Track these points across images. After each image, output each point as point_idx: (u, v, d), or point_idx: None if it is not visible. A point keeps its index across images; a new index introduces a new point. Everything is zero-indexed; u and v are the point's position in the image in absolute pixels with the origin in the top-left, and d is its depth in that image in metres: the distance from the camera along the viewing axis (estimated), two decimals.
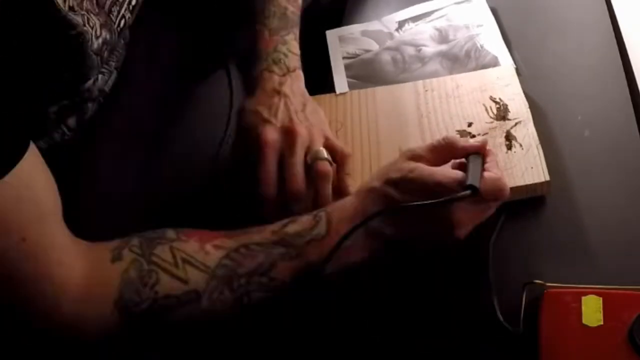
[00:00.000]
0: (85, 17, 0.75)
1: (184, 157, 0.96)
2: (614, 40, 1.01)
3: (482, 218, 0.79)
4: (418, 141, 0.92)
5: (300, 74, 0.95)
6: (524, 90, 0.95)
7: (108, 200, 0.89)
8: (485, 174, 0.77)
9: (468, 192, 0.74)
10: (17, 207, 0.65)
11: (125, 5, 0.83)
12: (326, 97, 1.03)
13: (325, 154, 0.87)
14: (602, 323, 0.68)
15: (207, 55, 1.03)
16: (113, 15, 0.81)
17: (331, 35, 1.15)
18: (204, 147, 0.98)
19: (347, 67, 1.09)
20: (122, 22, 0.83)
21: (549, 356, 0.68)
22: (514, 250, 0.82)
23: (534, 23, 1.10)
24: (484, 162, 0.79)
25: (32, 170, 0.66)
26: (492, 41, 1.06)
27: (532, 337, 0.70)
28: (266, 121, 0.88)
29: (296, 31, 0.99)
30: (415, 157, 0.80)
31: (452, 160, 0.81)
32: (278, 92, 0.91)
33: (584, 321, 0.68)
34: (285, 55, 0.95)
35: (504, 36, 1.07)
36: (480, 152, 0.80)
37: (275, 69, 0.93)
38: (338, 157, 0.89)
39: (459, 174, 0.77)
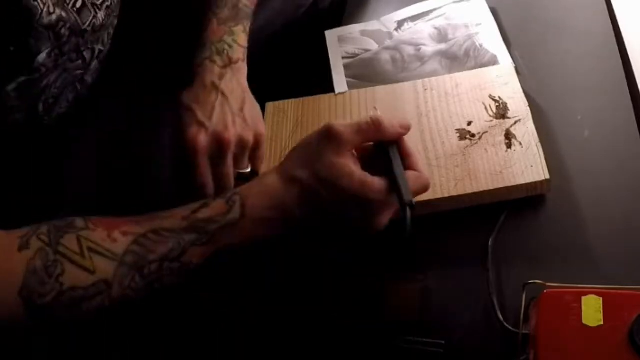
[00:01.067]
0: None
1: (174, 158, 0.96)
2: (614, 40, 1.01)
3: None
4: (417, 140, 0.92)
5: (242, 66, 0.94)
6: (524, 89, 0.95)
7: (72, 199, 0.90)
8: (409, 173, 0.76)
9: (409, 213, 0.73)
10: None
11: None
12: (326, 97, 1.03)
13: (246, 165, 0.91)
14: (602, 323, 0.67)
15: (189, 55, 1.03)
16: None
17: (330, 35, 1.15)
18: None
19: (347, 67, 1.09)
20: (79, 3, 0.82)
21: (549, 356, 0.67)
22: (513, 250, 0.82)
23: (534, 23, 1.10)
24: (403, 155, 0.78)
25: None
26: (491, 40, 1.06)
27: (532, 337, 0.69)
28: (199, 124, 0.87)
29: (247, 24, 0.97)
30: (341, 143, 0.76)
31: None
32: (216, 89, 0.90)
33: (584, 321, 0.68)
34: (230, 47, 0.93)
35: (503, 35, 1.07)
36: (401, 137, 0.79)
37: (217, 59, 0.92)
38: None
39: (383, 185, 0.75)
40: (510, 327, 0.74)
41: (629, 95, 0.93)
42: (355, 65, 1.09)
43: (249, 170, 0.92)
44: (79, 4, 0.82)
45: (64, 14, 0.79)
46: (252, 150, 0.91)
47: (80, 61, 0.86)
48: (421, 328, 0.77)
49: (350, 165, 0.75)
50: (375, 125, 0.78)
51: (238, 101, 0.91)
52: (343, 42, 1.13)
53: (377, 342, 0.78)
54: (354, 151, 0.77)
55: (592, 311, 0.68)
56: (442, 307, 0.80)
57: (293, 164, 0.78)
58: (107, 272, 0.71)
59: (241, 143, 0.89)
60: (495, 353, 0.74)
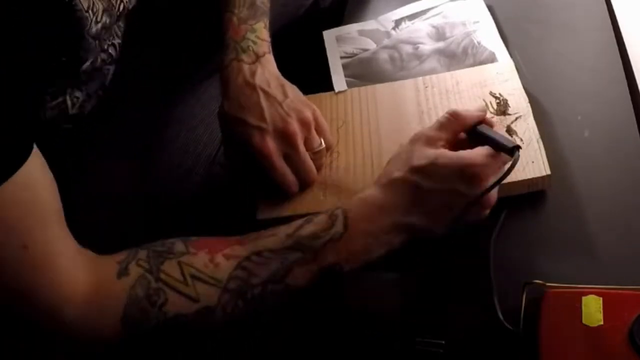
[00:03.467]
0: (91, 2, 0.75)
1: (182, 157, 0.96)
2: (614, 40, 1.01)
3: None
4: None
5: (269, 58, 0.94)
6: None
7: (102, 201, 0.89)
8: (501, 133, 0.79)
9: (518, 155, 0.77)
10: (17, 213, 0.63)
11: None
12: (327, 96, 1.03)
13: (318, 142, 0.91)
14: (602, 323, 0.67)
15: (208, 54, 1.03)
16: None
17: (328, 35, 1.15)
18: (203, 148, 0.98)
19: (345, 67, 1.09)
20: (121, 6, 0.83)
21: (549, 356, 0.67)
22: (514, 250, 0.82)
23: (532, 21, 1.10)
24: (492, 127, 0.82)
25: (35, 174, 0.65)
26: (489, 38, 1.06)
27: (532, 337, 0.69)
28: (257, 128, 0.87)
29: (266, 20, 0.97)
30: (429, 139, 0.79)
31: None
32: (254, 87, 0.90)
33: (584, 321, 0.68)
34: (254, 43, 0.93)
35: (500, 33, 1.07)
36: (482, 119, 0.82)
37: (244, 57, 0.92)
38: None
39: (484, 149, 0.78)
40: (510, 327, 0.73)
41: (629, 96, 0.93)
42: (354, 65, 1.09)
43: (323, 146, 0.92)
44: (121, 7, 0.83)
45: (107, 21, 0.79)
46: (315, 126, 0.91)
47: (109, 59, 0.87)
48: (421, 328, 0.77)
49: (441, 150, 0.77)
50: (453, 116, 0.80)
51: (279, 90, 0.91)
52: (341, 42, 1.13)
53: (377, 342, 0.78)
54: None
55: (592, 311, 0.68)
56: (442, 307, 0.79)
57: (388, 170, 0.79)
58: (210, 299, 0.70)
59: (305, 126, 0.89)
60: (495, 353, 0.74)
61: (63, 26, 0.73)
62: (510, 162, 0.77)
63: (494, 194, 0.79)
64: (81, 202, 0.81)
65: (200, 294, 0.70)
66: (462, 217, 0.77)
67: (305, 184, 0.89)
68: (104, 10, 0.78)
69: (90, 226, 0.86)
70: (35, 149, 0.65)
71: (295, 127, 0.88)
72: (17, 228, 0.63)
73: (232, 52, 0.92)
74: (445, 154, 0.77)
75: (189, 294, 0.69)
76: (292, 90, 0.92)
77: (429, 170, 0.76)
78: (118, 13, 0.83)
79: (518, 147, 0.78)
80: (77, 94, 0.83)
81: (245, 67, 0.91)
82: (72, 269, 0.67)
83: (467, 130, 0.83)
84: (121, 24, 0.86)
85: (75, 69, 0.79)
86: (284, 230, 0.75)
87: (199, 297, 0.69)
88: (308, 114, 0.90)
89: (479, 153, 0.77)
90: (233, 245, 0.73)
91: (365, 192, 0.78)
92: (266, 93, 0.90)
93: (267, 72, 0.92)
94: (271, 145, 0.86)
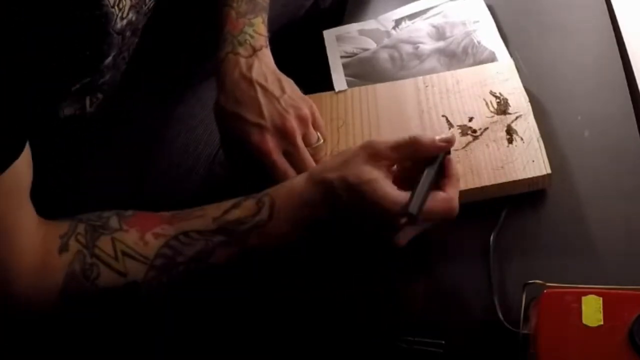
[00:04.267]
0: None
1: (182, 157, 0.96)
2: (614, 40, 1.01)
3: (423, 229, 0.79)
4: None
5: (266, 52, 0.94)
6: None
7: (102, 201, 0.89)
8: (439, 194, 0.76)
9: (404, 219, 0.74)
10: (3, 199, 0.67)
11: None
12: (327, 95, 1.03)
13: (316, 138, 0.91)
14: (602, 323, 0.67)
15: (209, 54, 1.03)
16: None
17: (328, 34, 1.14)
18: (203, 148, 0.97)
19: (345, 66, 1.09)
20: (152, 4, 0.83)
21: (549, 356, 0.67)
22: (514, 250, 0.82)
23: (532, 21, 1.10)
24: (442, 171, 0.78)
25: (23, 165, 0.68)
26: (489, 37, 1.06)
27: (532, 337, 0.69)
28: (256, 126, 0.87)
29: (264, 15, 0.97)
30: (376, 154, 0.77)
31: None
32: (250, 81, 0.89)
33: (584, 321, 0.68)
34: (251, 37, 0.93)
35: (500, 33, 1.07)
36: (441, 163, 0.78)
37: (241, 50, 0.92)
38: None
39: (404, 199, 0.74)
40: (510, 327, 0.73)
41: (629, 96, 0.93)
42: (354, 65, 1.09)
43: (321, 141, 0.93)
44: (151, 5, 0.83)
45: (134, 18, 0.80)
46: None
47: (128, 58, 0.87)
48: (421, 328, 0.77)
49: (377, 175, 0.76)
50: (412, 142, 0.78)
51: (276, 85, 0.90)
52: (341, 42, 1.13)
53: (377, 342, 0.78)
54: (394, 167, 0.79)
55: (592, 311, 0.68)
56: (442, 307, 0.80)
57: (324, 167, 0.80)
58: (137, 275, 0.74)
59: (303, 122, 0.90)
60: (495, 353, 0.74)
61: (89, 22, 0.73)
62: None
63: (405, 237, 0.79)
64: (80, 202, 0.81)
65: (128, 269, 0.74)
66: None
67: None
68: (131, 7, 0.78)
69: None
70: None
71: (293, 123, 0.88)
72: None
73: (229, 45, 0.92)
74: (373, 182, 0.75)
75: (118, 269, 0.73)
76: (289, 85, 0.92)
77: (354, 189, 0.76)
78: (147, 10, 0.83)
79: (411, 216, 0.72)
80: (99, 95, 0.84)
81: (242, 61, 0.91)
82: (27, 243, 0.71)
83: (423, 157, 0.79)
84: (144, 22, 0.86)
85: (97, 63, 0.80)
86: (211, 213, 0.77)
87: (127, 272, 0.73)
88: (306, 111, 0.90)
89: (397, 202, 0.74)
90: (163, 224, 0.76)
91: (296, 180, 0.80)
92: (263, 88, 0.89)
93: (264, 66, 0.92)
94: (270, 143, 0.86)
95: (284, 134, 0.87)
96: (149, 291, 0.74)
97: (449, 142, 0.79)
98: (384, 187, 0.75)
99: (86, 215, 0.76)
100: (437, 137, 0.79)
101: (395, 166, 0.79)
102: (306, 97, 0.93)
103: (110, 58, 0.80)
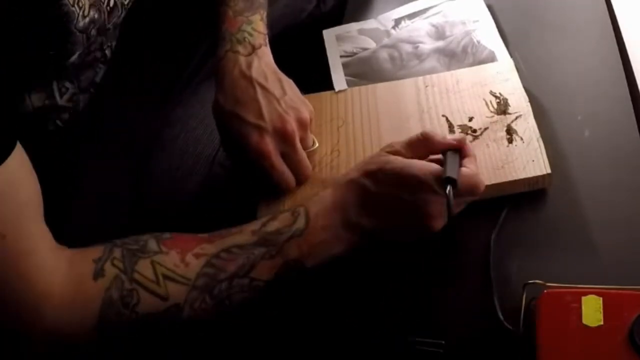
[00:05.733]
0: None
1: (182, 158, 0.96)
2: (614, 40, 1.01)
3: (454, 213, 0.79)
4: None
5: (266, 50, 0.93)
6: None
7: (101, 202, 0.89)
8: (462, 169, 0.78)
9: (448, 188, 0.75)
10: None
11: None
12: (327, 95, 1.03)
13: (312, 141, 0.92)
14: (602, 323, 0.67)
15: (208, 55, 1.03)
16: None
17: (328, 34, 1.14)
18: (203, 148, 0.97)
19: (345, 66, 1.08)
20: (112, 1, 0.82)
21: (548, 356, 0.67)
22: (514, 250, 0.82)
23: (531, 20, 1.10)
24: (461, 158, 0.80)
25: (17, 169, 0.66)
26: (488, 37, 1.06)
27: (532, 337, 0.69)
28: (256, 126, 0.87)
29: (263, 12, 0.96)
30: (393, 152, 0.80)
31: (430, 156, 0.82)
32: (249, 80, 0.89)
33: (584, 321, 0.68)
34: (250, 35, 0.93)
35: (500, 33, 1.07)
36: (458, 148, 0.81)
37: (240, 48, 0.91)
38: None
39: (434, 166, 0.77)
40: (510, 327, 0.73)
41: (629, 96, 0.93)
42: (354, 64, 1.09)
43: (317, 145, 0.93)
44: (112, 3, 0.82)
45: (96, 15, 0.79)
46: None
47: (103, 58, 0.86)
48: (421, 328, 0.77)
49: (395, 157, 0.78)
50: (424, 137, 0.81)
51: (277, 85, 0.90)
52: (341, 41, 1.13)
53: (377, 342, 0.78)
54: None
55: (592, 311, 0.68)
56: (442, 307, 0.80)
57: (348, 172, 0.81)
58: (179, 297, 0.72)
59: (302, 125, 0.90)
60: (495, 353, 0.74)
61: (50, 22, 0.73)
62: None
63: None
64: (81, 204, 0.81)
65: (170, 292, 0.71)
66: (425, 228, 0.78)
67: (300, 181, 0.90)
68: (90, 5, 0.77)
69: (88, 227, 0.86)
70: (20, 147, 0.66)
71: (293, 126, 0.88)
72: None
73: (228, 43, 0.92)
74: (393, 161, 0.78)
75: (160, 293, 0.71)
76: (290, 86, 0.92)
77: (377, 174, 0.77)
78: (108, 9, 0.82)
79: (452, 181, 0.75)
80: (67, 84, 0.83)
81: (241, 59, 0.90)
82: (48, 267, 0.68)
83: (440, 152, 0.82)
84: (118, 22, 0.85)
85: (63, 61, 0.79)
86: (250, 227, 0.77)
87: (168, 295, 0.71)
88: (306, 114, 0.90)
89: (424, 168, 0.77)
90: (202, 244, 0.75)
91: (325, 191, 0.80)
92: (263, 88, 0.89)
93: (264, 65, 0.91)
94: (270, 144, 0.86)
95: (283, 137, 0.87)
96: (191, 311, 0.72)
97: (459, 141, 0.81)
98: (405, 159, 0.77)
99: (121, 240, 0.73)
100: (449, 137, 0.82)
101: None
102: (306, 100, 0.93)
103: (75, 56, 0.80)
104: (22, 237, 0.66)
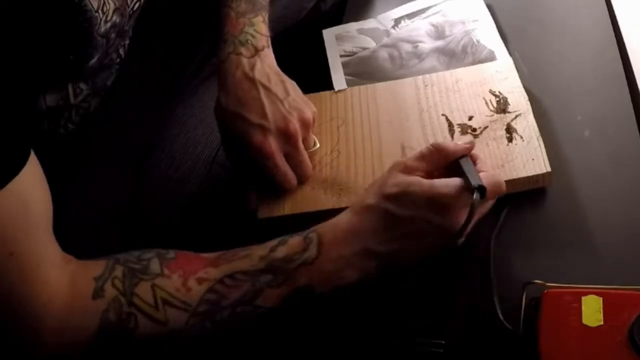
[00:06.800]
0: (103, 1, 0.75)
1: (182, 158, 0.96)
2: (614, 40, 1.01)
3: (480, 217, 0.79)
4: (419, 136, 0.93)
5: (268, 52, 0.93)
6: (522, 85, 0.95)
7: (101, 202, 0.89)
8: (482, 173, 0.77)
9: (475, 196, 0.74)
10: (9, 221, 0.63)
11: None
12: (326, 94, 1.03)
13: (314, 142, 0.92)
14: (602, 323, 0.67)
15: (208, 55, 1.03)
16: None
17: (328, 34, 1.15)
18: (202, 148, 0.97)
19: (345, 65, 1.09)
20: (137, 5, 0.83)
21: (549, 356, 0.67)
22: (514, 250, 0.82)
23: (531, 21, 1.10)
24: (474, 162, 0.80)
25: (29, 183, 0.65)
26: (488, 36, 1.07)
27: (532, 337, 0.69)
28: (259, 127, 0.87)
29: (265, 14, 0.96)
30: (407, 169, 0.78)
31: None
32: (252, 81, 0.89)
33: (584, 321, 0.68)
34: (253, 37, 0.92)
35: (500, 32, 1.07)
36: (467, 154, 0.80)
37: (243, 50, 0.91)
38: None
39: (457, 180, 0.76)
40: (510, 327, 0.73)
41: (629, 96, 0.93)
42: (354, 63, 1.09)
43: (318, 146, 0.93)
44: (135, 7, 0.82)
45: (118, 20, 0.79)
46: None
47: (118, 59, 0.86)
48: (421, 328, 0.77)
49: (415, 178, 0.76)
50: (436, 148, 0.79)
51: (279, 86, 0.90)
52: (340, 41, 1.13)
53: (377, 342, 0.78)
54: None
55: (592, 311, 0.68)
56: (442, 307, 0.80)
57: (364, 197, 0.78)
58: (179, 323, 0.70)
59: (305, 126, 0.89)
60: (495, 353, 0.74)
61: (72, 27, 0.73)
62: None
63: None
64: (80, 205, 0.81)
65: (169, 317, 0.69)
66: (437, 247, 0.77)
67: (302, 181, 0.90)
68: (115, 9, 0.78)
69: (88, 228, 0.86)
70: (33, 157, 0.65)
71: (296, 126, 0.88)
72: (5, 235, 0.63)
73: (230, 45, 0.91)
74: (416, 182, 0.75)
75: (158, 318, 0.69)
76: (293, 87, 0.92)
77: (400, 197, 0.75)
78: (131, 12, 0.82)
79: (482, 189, 0.74)
80: (82, 85, 0.83)
81: (244, 61, 0.90)
82: (52, 281, 0.67)
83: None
84: (132, 23, 0.85)
85: (82, 65, 0.79)
86: (257, 251, 0.74)
87: (167, 321, 0.69)
88: (309, 115, 0.90)
89: (450, 184, 0.75)
90: (207, 268, 0.72)
91: (339, 217, 0.77)
92: (266, 89, 0.89)
93: (266, 66, 0.91)
94: (273, 145, 0.86)
95: (286, 137, 0.87)
96: (190, 337, 0.70)
97: (470, 144, 0.81)
98: (428, 181, 0.75)
99: (124, 256, 0.71)
100: (462, 142, 0.81)
101: None
102: (309, 100, 0.93)
103: (94, 60, 0.80)
104: (29, 253, 0.65)
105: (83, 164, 0.91)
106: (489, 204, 0.80)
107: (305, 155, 0.89)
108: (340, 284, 0.74)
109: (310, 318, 0.80)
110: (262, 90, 0.88)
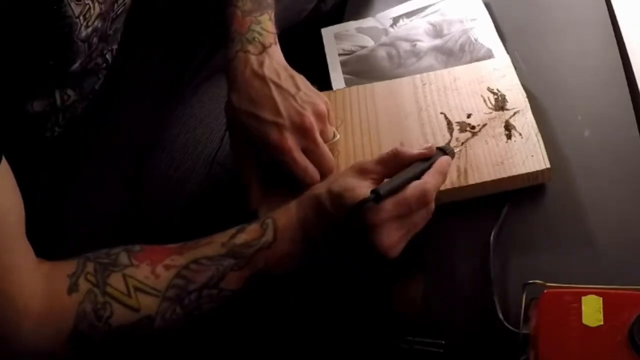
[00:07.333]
0: (87, 6, 0.75)
1: (182, 158, 0.96)
2: (614, 40, 1.01)
3: (412, 232, 0.77)
4: (418, 135, 0.93)
5: (276, 49, 0.93)
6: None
7: (100, 203, 0.89)
8: (414, 182, 0.76)
9: (370, 197, 0.74)
10: None
11: None
12: (325, 94, 1.03)
13: (333, 133, 0.91)
14: (602, 323, 0.67)
15: (207, 55, 1.03)
16: (118, 3, 0.81)
17: (326, 32, 1.15)
18: (202, 148, 0.97)
19: (343, 64, 1.09)
20: (121, 9, 0.83)
21: (549, 356, 0.68)
22: (514, 250, 0.82)
23: (530, 20, 1.10)
24: (428, 168, 0.79)
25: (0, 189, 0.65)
26: (486, 35, 1.07)
27: (532, 337, 0.70)
28: (274, 124, 0.86)
29: (271, 12, 0.96)
30: (362, 170, 0.79)
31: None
32: (262, 78, 0.88)
33: (584, 321, 0.68)
34: (260, 34, 0.92)
35: (498, 31, 1.07)
36: (423, 158, 0.80)
37: (251, 48, 0.91)
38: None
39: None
40: (510, 327, 0.73)
41: (629, 96, 0.93)
42: (352, 62, 1.09)
43: (337, 137, 0.92)
44: (119, 11, 0.82)
45: (99, 24, 0.79)
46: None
47: (104, 64, 0.86)
48: (421, 328, 0.77)
49: (361, 184, 0.76)
50: (394, 154, 0.79)
51: (290, 82, 0.89)
52: (339, 40, 1.13)
53: (377, 342, 0.78)
54: (385, 181, 0.78)
55: (592, 311, 0.68)
56: (442, 307, 0.80)
57: (315, 186, 0.81)
58: (151, 308, 0.73)
59: (320, 118, 0.89)
60: (495, 353, 0.75)
61: (51, 32, 0.73)
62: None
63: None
64: (80, 205, 0.81)
65: (141, 304, 0.72)
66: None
67: (325, 174, 0.89)
68: (99, 14, 0.77)
69: (88, 228, 0.86)
70: (4, 163, 0.66)
71: (312, 120, 0.87)
72: None
73: (238, 44, 0.91)
74: (351, 189, 0.76)
75: (131, 305, 0.72)
76: (303, 81, 0.91)
77: (336, 198, 0.76)
78: (114, 16, 0.82)
79: (377, 194, 0.74)
80: (69, 92, 0.83)
81: (253, 58, 0.90)
82: (27, 283, 0.69)
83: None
84: (119, 26, 0.85)
85: (63, 70, 0.79)
86: (219, 239, 0.77)
87: (140, 307, 0.72)
88: (323, 107, 0.89)
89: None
90: (172, 255, 0.75)
91: (293, 203, 0.80)
92: (277, 85, 0.88)
93: (275, 63, 0.91)
94: (290, 140, 0.86)
95: (302, 132, 0.86)
96: (163, 322, 0.73)
97: (429, 149, 0.80)
98: (365, 193, 0.75)
99: (93, 254, 0.74)
100: (417, 149, 0.80)
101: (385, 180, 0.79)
102: (320, 93, 0.92)
103: (77, 64, 0.80)
104: (3, 260, 0.67)
105: (82, 165, 0.91)
106: (420, 215, 0.77)
107: (324, 148, 0.88)
108: (294, 264, 0.78)
109: (310, 318, 0.80)
110: (273, 87, 0.88)
